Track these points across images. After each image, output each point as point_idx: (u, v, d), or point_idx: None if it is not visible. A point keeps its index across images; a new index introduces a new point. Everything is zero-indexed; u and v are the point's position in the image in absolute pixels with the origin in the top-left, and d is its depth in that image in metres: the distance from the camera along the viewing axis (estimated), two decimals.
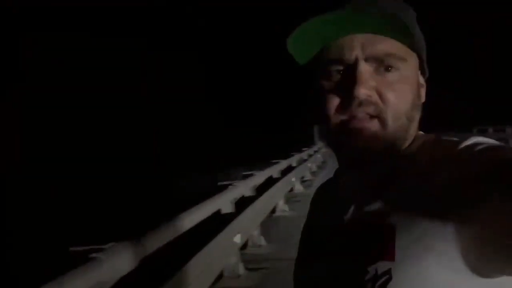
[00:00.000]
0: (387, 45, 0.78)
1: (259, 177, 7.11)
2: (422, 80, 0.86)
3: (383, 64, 0.78)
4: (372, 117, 0.78)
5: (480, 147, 0.73)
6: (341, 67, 0.80)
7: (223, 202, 5.79)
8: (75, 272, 2.21)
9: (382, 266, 0.73)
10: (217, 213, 5.59)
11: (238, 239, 5.27)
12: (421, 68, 0.85)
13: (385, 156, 0.80)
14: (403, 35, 0.78)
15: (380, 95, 0.78)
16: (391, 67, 0.79)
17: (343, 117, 0.79)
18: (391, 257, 0.73)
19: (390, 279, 0.72)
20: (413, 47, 0.81)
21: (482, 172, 0.68)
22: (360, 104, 0.77)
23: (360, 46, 0.78)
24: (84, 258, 2.37)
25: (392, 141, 0.80)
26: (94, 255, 2.40)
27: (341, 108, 0.79)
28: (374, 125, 0.79)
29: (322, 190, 1.02)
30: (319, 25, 0.77)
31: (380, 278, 0.73)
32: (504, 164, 0.66)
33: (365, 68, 0.78)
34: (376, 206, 0.79)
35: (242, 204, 6.13)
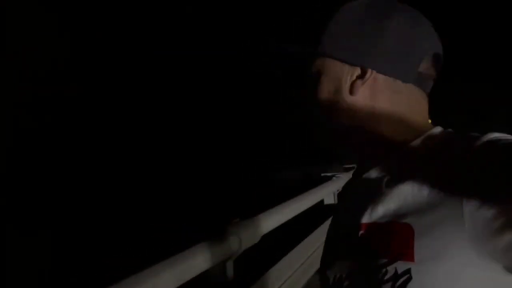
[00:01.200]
0: (311, 62, 0.92)
1: None
2: (355, 73, 0.87)
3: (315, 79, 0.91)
4: (314, 122, 0.93)
5: (499, 143, 0.72)
6: None
7: (327, 193, 5.98)
8: (210, 242, 2.53)
9: (401, 266, 0.73)
10: (321, 202, 5.78)
11: None
12: (353, 63, 0.88)
13: (384, 152, 0.86)
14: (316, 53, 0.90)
15: (313, 102, 0.91)
16: (312, 74, 0.91)
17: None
18: (410, 257, 0.73)
19: (410, 278, 0.72)
20: (328, 55, 0.89)
21: (502, 170, 0.68)
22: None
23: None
24: (216, 230, 2.68)
25: (329, 132, 0.91)
26: (223, 228, 2.72)
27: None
28: (316, 127, 0.93)
29: (348, 187, 1.03)
30: None
31: (400, 277, 0.73)
32: None
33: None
34: (393, 205, 0.79)
35: None
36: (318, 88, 0.89)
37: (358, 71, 0.86)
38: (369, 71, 0.86)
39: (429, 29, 0.88)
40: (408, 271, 0.72)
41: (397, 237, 0.75)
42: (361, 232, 0.83)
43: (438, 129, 0.86)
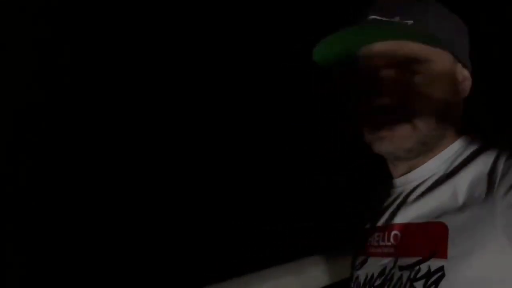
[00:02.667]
0: (408, 50, 0.78)
1: None
2: (464, 74, 0.85)
3: (407, 69, 0.79)
4: (401, 122, 0.79)
5: None
6: (367, 76, 0.82)
7: None
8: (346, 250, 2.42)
9: (435, 264, 0.74)
10: None
11: None
12: (461, 62, 0.84)
13: (422, 155, 0.84)
14: (425, 39, 0.78)
15: (407, 99, 0.79)
16: (415, 70, 0.79)
17: (373, 124, 0.82)
18: (443, 254, 0.73)
19: (443, 276, 0.72)
20: (440, 46, 0.79)
21: None
22: (386, 111, 0.79)
23: (382, 54, 0.80)
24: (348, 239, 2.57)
25: (425, 141, 0.81)
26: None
27: (369, 116, 0.82)
28: (403, 130, 0.80)
29: (382, 187, 1.03)
30: (344, 36, 0.81)
31: (433, 275, 0.73)
32: None
33: (386, 75, 0.79)
34: (429, 205, 0.80)
35: None
36: (433, 86, 0.80)
37: (465, 71, 0.86)
38: (469, 72, 0.86)
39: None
40: (441, 268, 0.73)
41: (432, 236, 0.77)
42: (394, 232, 0.85)
43: (473, 132, 0.87)
